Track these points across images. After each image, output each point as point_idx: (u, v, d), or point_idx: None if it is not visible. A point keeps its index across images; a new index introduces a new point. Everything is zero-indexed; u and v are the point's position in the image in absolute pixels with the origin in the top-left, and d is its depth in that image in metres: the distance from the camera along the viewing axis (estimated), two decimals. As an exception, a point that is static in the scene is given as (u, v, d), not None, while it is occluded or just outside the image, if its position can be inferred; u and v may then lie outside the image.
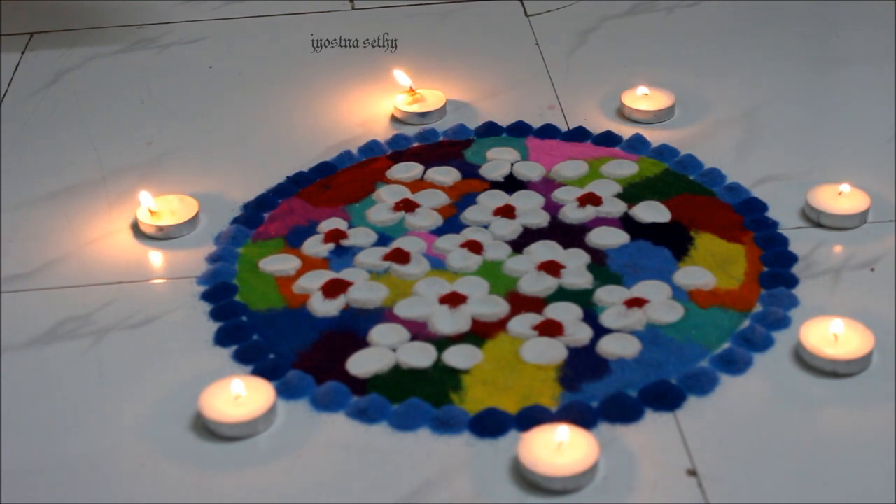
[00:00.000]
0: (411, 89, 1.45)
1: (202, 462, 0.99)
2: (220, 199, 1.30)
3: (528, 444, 0.97)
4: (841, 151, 1.36)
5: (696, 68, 1.53)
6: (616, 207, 1.26)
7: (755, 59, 1.55)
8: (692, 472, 0.96)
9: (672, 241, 1.21)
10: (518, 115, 1.43)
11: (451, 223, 1.25)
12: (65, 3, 1.74)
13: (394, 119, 1.44)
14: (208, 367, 1.08)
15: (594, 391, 1.04)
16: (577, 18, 1.66)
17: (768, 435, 1.00)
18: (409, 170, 1.33)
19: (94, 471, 0.99)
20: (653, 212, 1.25)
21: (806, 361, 1.06)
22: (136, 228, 1.26)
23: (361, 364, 1.07)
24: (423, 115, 1.43)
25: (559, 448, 0.96)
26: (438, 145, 1.38)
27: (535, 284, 1.16)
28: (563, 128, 1.41)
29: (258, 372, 1.07)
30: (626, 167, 1.32)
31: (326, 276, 1.18)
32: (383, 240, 1.23)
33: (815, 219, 1.23)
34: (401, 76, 1.46)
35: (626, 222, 1.24)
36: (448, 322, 1.12)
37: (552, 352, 1.08)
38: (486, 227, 1.24)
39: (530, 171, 1.32)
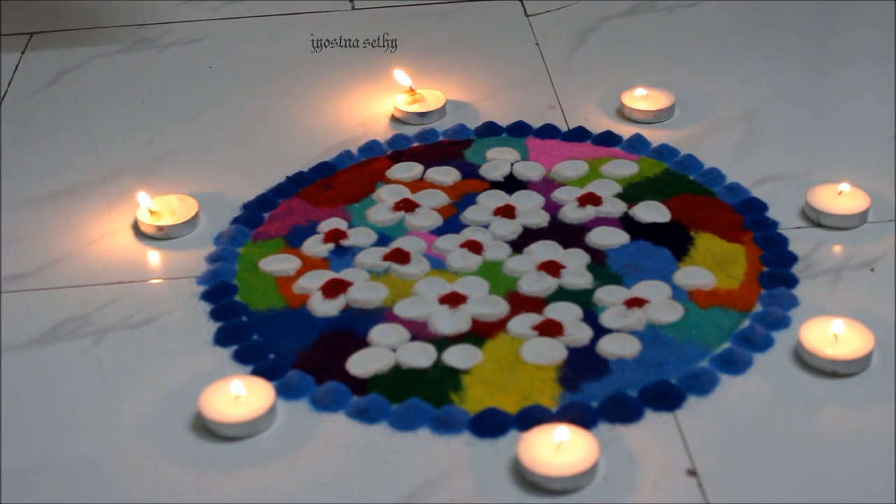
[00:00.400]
0: (411, 89, 1.45)
1: (202, 462, 0.99)
2: (220, 199, 1.30)
3: (527, 444, 0.97)
4: (841, 151, 1.36)
5: (696, 68, 1.53)
6: (616, 207, 1.26)
7: (755, 59, 1.55)
8: (692, 472, 0.96)
9: (672, 241, 1.21)
10: (518, 115, 1.43)
11: (451, 223, 1.25)
12: (65, 3, 1.74)
13: (394, 119, 1.44)
14: (208, 367, 1.08)
15: (594, 391, 1.04)
16: (577, 18, 1.66)
17: (768, 435, 1.00)
18: (408, 170, 1.33)
19: (94, 471, 0.99)
20: (653, 212, 1.25)
21: (806, 361, 1.06)
22: (136, 228, 1.26)
23: (361, 364, 1.07)
24: (422, 115, 1.43)
25: (559, 448, 0.96)
26: (438, 145, 1.39)
27: (535, 284, 1.16)
28: (563, 128, 1.41)
29: (258, 372, 1.07)
30: (626, 167, 1.32)
31: (326, 276, 1.18)
32: (383, 240, 1.23)
33: (815, 219, 1.23)
34: (401, 76, 1.46)
35: (626, 222, 1.24)
36: (448, 322, 1.12)
37: (552, 352, 1.08)
38: (486, 227, 1.24)
39: (530, 171, 1.32)
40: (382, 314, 1.13)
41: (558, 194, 1.28)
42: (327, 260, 1.21)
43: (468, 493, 0.95)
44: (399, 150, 1.38)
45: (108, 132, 1.44)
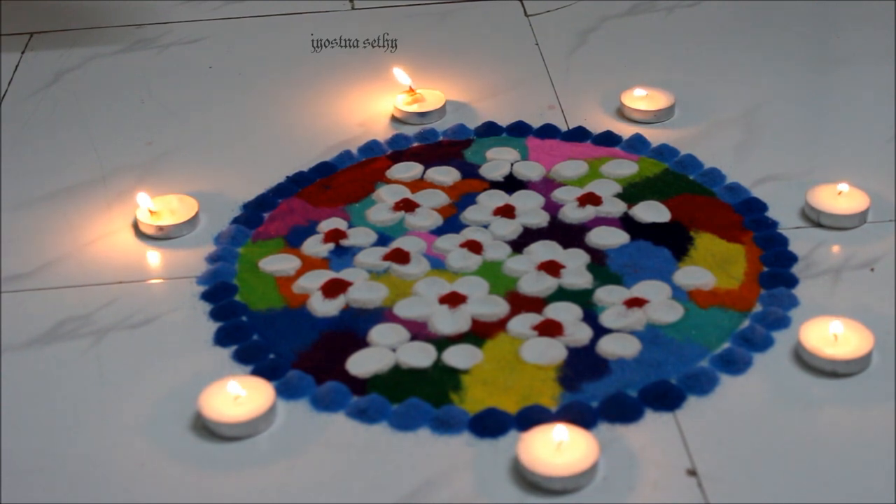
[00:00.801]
0: (411, 89, 1.45)
1: (202, 462, 0.99)
2: (220, 199, 1.30)
3: (527, 444, 0.97)
4: (841, 151, 1.36)
5: (696, 68, 1.53)
6: (616, 207, 1.26)
7: (755, 59, 1.55)
8: (692, 472, 0.96)
9: (672, 241, 1.21)
10: (518, 115, 1.43)
11: (451, 223, 1.25)
12: (65, 3, 1.74)
13: (393, 119, 1.44)
14: (208, 367, 1.08)
15: (594, 391, 1.04)
16: (577, 18, 1.66)
17: (768, 435, 1.00)
18: (408, 170, 1.33)
19: (94, 471, 0.99)
20: (653, 212, 1.25)
21: (806, 361, 1.06)
22: (135, 228, 1.26)
23: (361, 364, 1.07)
24: (422, 115, 1.43)
25: (559, 448, 0.96)
26: (438, 145, 1.39)
27: (534, 284, 1.16)
28: (563, 128, 1.41)
29: (258, 372, 1.07)
30: (626, 167, 1.32)
31: (326, 275, 1.18)
32: (383, 240, 1.23)
33: (814, 219, 1.23)
34: (400, 74, 1.46)
35: (626, 222, 1.24)
36: (448, 322, 1.12)
37: (552, 352, 1.08)
38: (485, 226, 1.24)
39: (530, 171, 1.32)
40: (382, 314, 1.13)
41: (558, 194, 1.28)
42: (327, 260, 1.21)
43: (468, 493, 0.95)
44: (399, 150, 1.38)
45: (108, 132, 1.44)
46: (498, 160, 1.35)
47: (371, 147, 1.38)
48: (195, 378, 1.06)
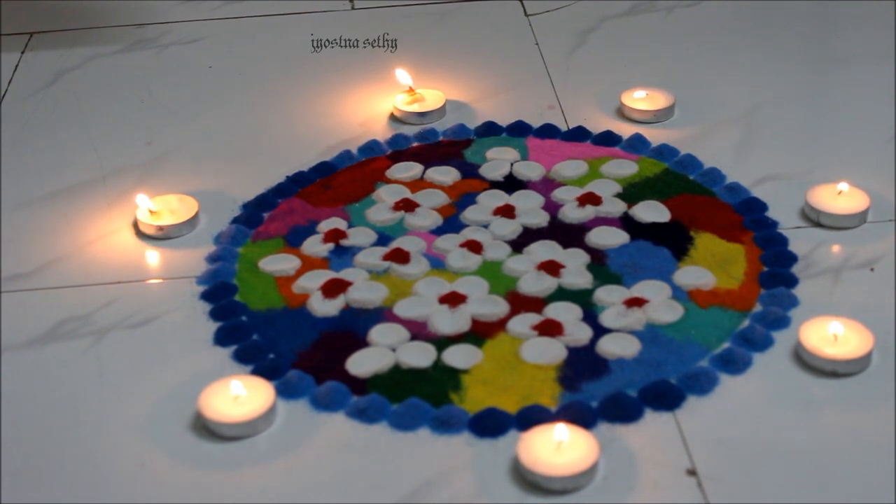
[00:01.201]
0: (411, 89, 1.45)
1: (202, 462, 0.99)
2: (220, 198, 1.30)
3: (527, 443, 0.97)
4: (841, 151, 1.36)
5: (696, 68, 1.53)
6: (616, 207, 1.26)
7: (755, 59, 1.55)
8: (692, 472, 0.96)
9: (672, 241, 1.21)
10: (518, 114, 1.43)
11: (451, 223, 1.25)
12: (65, 3, 1.74)
13: (393, 119, 1.44)
14: (208, 366, 1.08)
15: (594, 391, 1.04)
16: (577, 18, 1.66)
17: (768, 435, 1.00)
18: (408, 169, 1.33)
19: (94, 471, 0.99)
20: (653, 212, 1.25)
21: (805, 361, 1.06)
22: (135, 228, 1.26)
23: (361, 364, 1.07)
24: (422, 114, 1.43)
25: (559, 448, 0.96)
26: (438, 145, 1.39)
27: (534, 284, 1.16)
28: (563, 128, 1.41)
29: (258, 372, 1.07)
30: (626, 167, 1.32)
31: (326, 275, 1.18)
32: (383, 239, 1.23)
33: (814, 218, 1.23)
34: (402, 75, 1.46)
35: (626, 222, 1.24)
36: (448, 322, 1.12)
37: (552, 352, 1.08)
38: (485, 226, 1.24)
39: (530, 170, 1.32)
40: (382, 314, 1.13)
41: (558, 194, 1.28)
42: (327, 260, 1.21)
43: (468, 493, 0.95)
44: (399, 149, 1.38)
45: (108, 132, 1.44)
46: (498, 160, 1.35)
47: (371, 147, 1.38)
48: (195, 378, 1.06)
